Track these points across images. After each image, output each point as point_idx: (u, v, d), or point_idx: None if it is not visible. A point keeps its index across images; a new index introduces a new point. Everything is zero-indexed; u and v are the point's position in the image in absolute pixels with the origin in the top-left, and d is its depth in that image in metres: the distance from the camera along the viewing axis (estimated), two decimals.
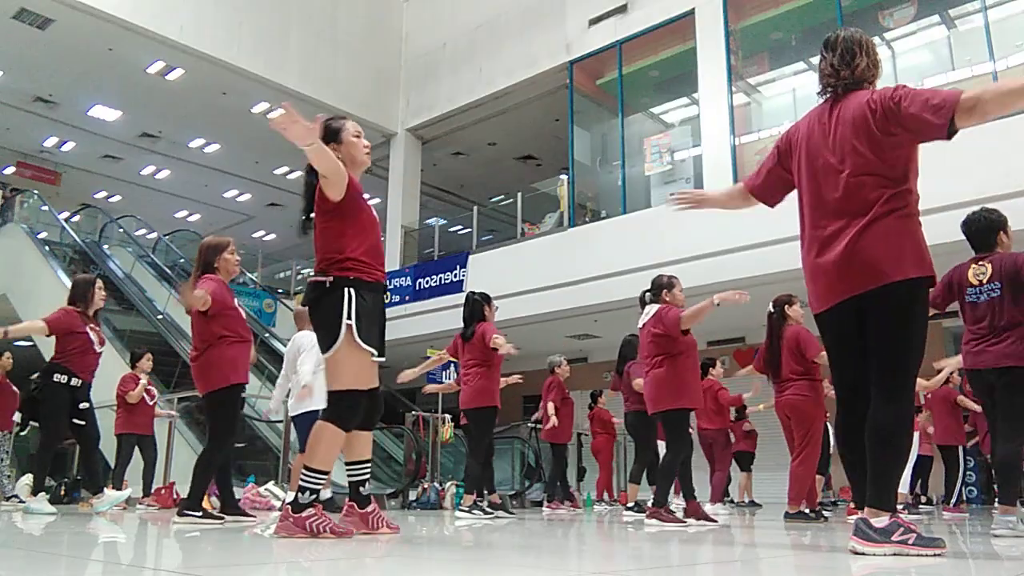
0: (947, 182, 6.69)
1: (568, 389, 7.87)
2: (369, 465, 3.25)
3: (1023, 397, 3.70)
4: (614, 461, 9.65)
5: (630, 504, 6.04)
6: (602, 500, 8.78)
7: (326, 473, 2.90)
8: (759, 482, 9.10)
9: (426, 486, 7.51)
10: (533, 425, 9.26)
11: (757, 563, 2.55)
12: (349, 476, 3.21)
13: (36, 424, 5.77)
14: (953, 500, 7.62)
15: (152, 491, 6.95)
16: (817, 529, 4.43)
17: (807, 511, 5.27)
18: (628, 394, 6.40)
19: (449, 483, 7.55)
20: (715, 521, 4.75)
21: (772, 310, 5.54)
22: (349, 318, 2.86)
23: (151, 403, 7.14)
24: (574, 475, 8.66)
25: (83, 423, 5.25)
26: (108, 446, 6.53)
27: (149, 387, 7.13)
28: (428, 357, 6.24)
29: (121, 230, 15.65)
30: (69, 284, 11.87)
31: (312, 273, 3.00)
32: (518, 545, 3.18)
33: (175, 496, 6.79)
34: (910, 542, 2.32)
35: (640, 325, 5.00)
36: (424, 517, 5.68)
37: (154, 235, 15.90)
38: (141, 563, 2.34)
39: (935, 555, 2.32)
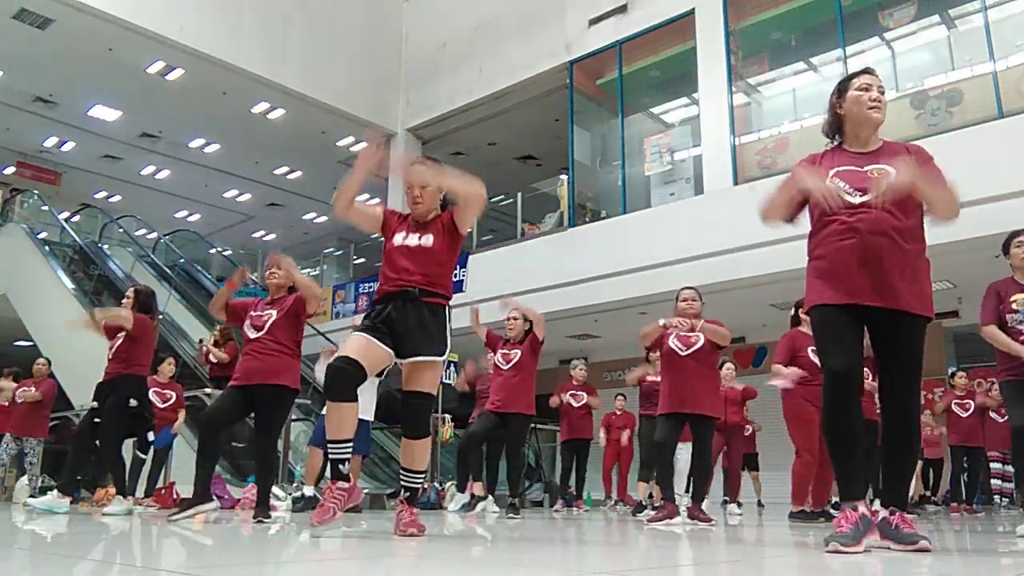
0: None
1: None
2: (412, 475, 3.29)
3: None
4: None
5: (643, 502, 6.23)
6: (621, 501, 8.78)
7: (339, 442, 3.08)
8: (766, 482, 9.09)
9: (426, 486, 7.50)
10: (533, 425, 9.27)
11: (757, 562, 2.55)
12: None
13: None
14: (943, 499, 7.71)
15: (153, 491, 6.97)
16: (816, 529, 4.43)
17: (809, 510, 5.29)
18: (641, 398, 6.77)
19: (449, 483, 7.55)
20: (710, 520, 4.74)
21: (793, 311, 5.56)
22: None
23: (163, 406, 7.17)
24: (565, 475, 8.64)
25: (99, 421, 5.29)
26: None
27: (163, 391, 7.20)
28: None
29: (121, 230, 15.64)
30: (69, 284, 12.01)
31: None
32: (518, 545, 3.18)
33: (175, 496, 6.79)
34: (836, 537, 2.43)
35: None
36: (423, 517, 5.67)
37: (154, 235, 15.90)
38: (141, 563, 2.34)
39: (847, 552, 2.35)
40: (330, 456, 3.13)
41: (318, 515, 3.04)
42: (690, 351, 4.74)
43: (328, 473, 3.19)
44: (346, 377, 3.01)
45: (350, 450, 3.12)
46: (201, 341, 7.27)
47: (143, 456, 6.66)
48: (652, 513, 5.14)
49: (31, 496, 6.63)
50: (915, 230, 2.64)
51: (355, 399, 3.07)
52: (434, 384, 3.25)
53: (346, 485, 3.11)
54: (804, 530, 4.28)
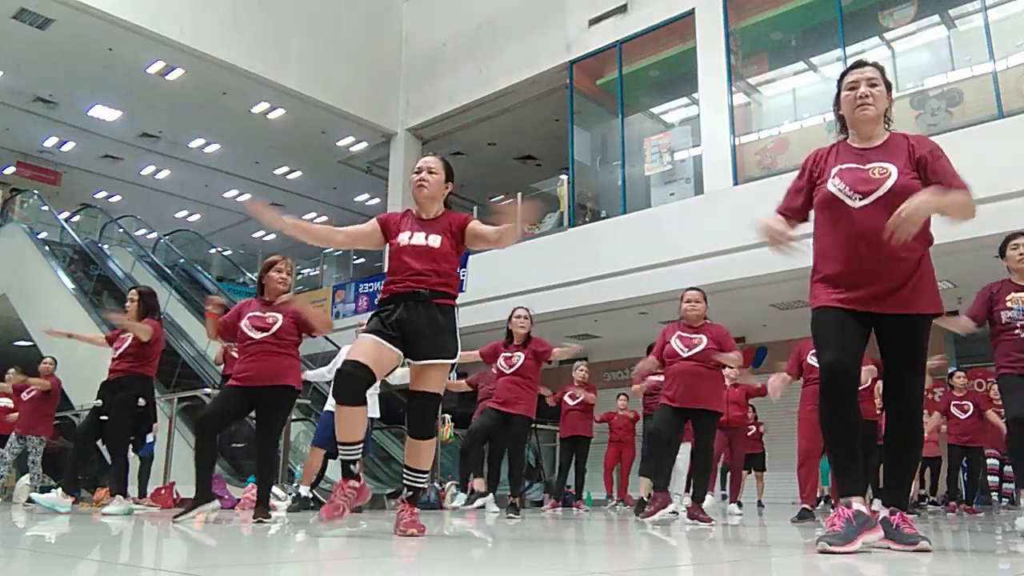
0: None
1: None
2: (415, 475, 3.24)
3: None
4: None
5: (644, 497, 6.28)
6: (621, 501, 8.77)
7: (349, 444, 3.10)
8: (769, 482, 9.10)
9: (426, 486, 7.50)
10: (533, 425, 9.27)
11: (757, 562, 2.55)
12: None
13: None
14: (942, 499, 7.74)
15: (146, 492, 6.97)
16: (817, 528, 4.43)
17: (807, 507, 5.34)
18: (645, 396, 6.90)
19: (449, 483, 7.55)
20: (710, 520, 4.73)
21: None
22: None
23: None
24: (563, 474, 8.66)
25: (106, 419, 5.29)
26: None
27: None
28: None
29: (121, 230, 15.64)
30: (69, 284, 12.01)
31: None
32: (518, 545, 3.18)
33: (175, 496, 6.78)
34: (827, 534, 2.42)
35: None
36: (423, 517, 5.67)
37: (154, 235, 15.90)
38: (141, 563, 2.34)
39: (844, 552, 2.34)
40: (341, 457, 3.17)
41: (327, 510, 3.11)
42: (692, 352, 4.70)
43: (338, 472, 3.22)
44: (355, 381, 3.02)
45: (360, 451, 3.15)
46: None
47: (139, 456, 6.66)
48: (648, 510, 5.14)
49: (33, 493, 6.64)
50: (919, 232, 2.61)
51: (364, 403, 3.09)
52: (441, 384, 3.25)
53: (357, 484, 3.18)
54: (804, 530, 4.28)
